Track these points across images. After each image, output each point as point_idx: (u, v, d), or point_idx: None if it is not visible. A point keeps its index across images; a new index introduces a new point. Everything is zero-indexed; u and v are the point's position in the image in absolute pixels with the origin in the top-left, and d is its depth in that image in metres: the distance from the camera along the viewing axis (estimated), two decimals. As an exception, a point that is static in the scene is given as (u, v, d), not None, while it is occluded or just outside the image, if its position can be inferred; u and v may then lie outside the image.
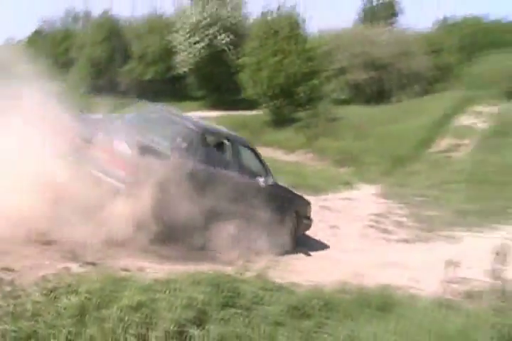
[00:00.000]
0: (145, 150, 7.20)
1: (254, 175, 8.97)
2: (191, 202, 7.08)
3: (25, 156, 6.46)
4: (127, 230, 6.63)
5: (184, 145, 7.80)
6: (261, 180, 8.89)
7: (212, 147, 8.63)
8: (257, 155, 9.39)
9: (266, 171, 9.29)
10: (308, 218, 10.39)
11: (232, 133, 9.52)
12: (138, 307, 4.93)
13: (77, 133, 7.10)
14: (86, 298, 4.87)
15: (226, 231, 7.98)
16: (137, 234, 6.76)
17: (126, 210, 6.59)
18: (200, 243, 7.68)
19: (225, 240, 7.92)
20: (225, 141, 8.84)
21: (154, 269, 6.38)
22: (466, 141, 23.75)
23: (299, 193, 10.40)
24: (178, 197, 7.01)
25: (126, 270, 6.15)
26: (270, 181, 9.02)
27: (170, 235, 7.22)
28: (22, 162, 6.40)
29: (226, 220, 8.02)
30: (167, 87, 38.22)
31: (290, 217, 9.67)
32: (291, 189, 10.17)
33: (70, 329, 4.47)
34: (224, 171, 8.30)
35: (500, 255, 5.95)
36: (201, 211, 7.22)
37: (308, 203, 10.43)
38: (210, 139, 8.59)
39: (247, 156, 9.11)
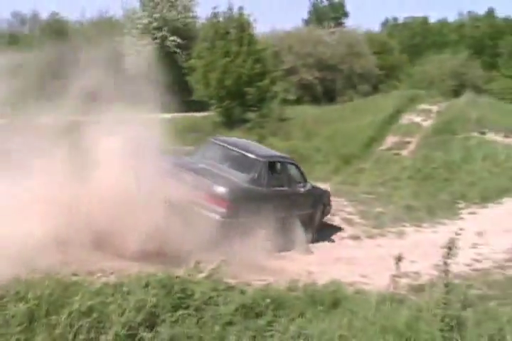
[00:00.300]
0: (236, 190, 9.33)
1: (296, 183, 11.07)
2: (266, 215, 9.26)
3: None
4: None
5: (256, 175, 9.90)
6: (301, 188, 11.05)
7: (271, 170, 10.38)
8: (298, 168, 11.44)
9: (304, 179, 11.42)
10: (330, 204, 12.45)
11: (281, 154, 11.80)
12: (88, 311, 4.92)
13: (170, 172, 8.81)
14: (35, 304, 4.84)
15: (286, 229, 9.98)
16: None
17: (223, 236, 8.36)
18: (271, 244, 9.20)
19: (286, 236, 9.87)
20: (278, 163, 10.81)
21: (104, 273, 6.36)
22: (413, 139, 24.26)
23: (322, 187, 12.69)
24: (257, 216, 9.15)
25: (76, 275, 6.12)
26: (308, 186, 11.26)
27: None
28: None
29: (285, 221, 10.07)
30: (118, 90, 37.84)
31: (319, 210, 11.79)
32: (318, 186, 12.30)
33: (19, 337, 4.45)
34: (280, 188, 10.44)
35: (446, 249, 6.11)
36: (273, 219, 9.35)
37: (329, 193, 12.60)
38: (270, 164, 10.36)
39: (291, 170, 11.18)
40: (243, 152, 10.31)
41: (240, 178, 9.70)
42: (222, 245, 8.02)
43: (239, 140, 11.96)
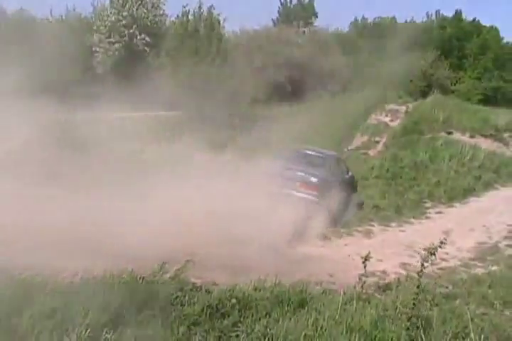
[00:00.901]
0: (321, 180, 13.16)
1: (345, 172, 15.33)
2: (339, 198, 13.11)
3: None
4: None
5: (328, 168, 14.08)
6: (347, 175, 15.25)
7: (335, 164, 14.87)
8: (343, 161, 16.31)
9: (347, 168, 15.78)
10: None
11: (332, 152, 16.28)
12: (51, 313, 4.83)
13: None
14: (-5, 304, 4.74)
15: (344, 206, 13.65)
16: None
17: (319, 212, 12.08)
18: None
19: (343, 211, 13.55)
20: (337, 158, 15.60)
21: (71, 273, 6.25)
22: (381, 139, 24.44)
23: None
24: (336, 198, 12.91)
25: (39, 275, 6.00)
26: (350, 174, 15.63)
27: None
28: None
29: (343, 200, 13.53)
30: (86, 88, 37.39)
31: (355, 192, 15.60)
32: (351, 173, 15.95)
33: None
34: (340, 176, 14.63)
35: (426, 253, 6.16)
36: (343, 201, 13.45)
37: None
38: (334, 160, 15.05)
39: (341, 163, 15.72)
40: (316, 154, 14.61)
41: (320, 171, 13.49)
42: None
43: (308, 147, 15.58)
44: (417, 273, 5.96)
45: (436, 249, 5.95)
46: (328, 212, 12.53)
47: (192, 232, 8.44)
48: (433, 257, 5.97)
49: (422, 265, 5.94)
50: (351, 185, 15.33)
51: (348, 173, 15.39)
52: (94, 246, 7.16)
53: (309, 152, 14.60)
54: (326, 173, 13.66)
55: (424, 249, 5.93)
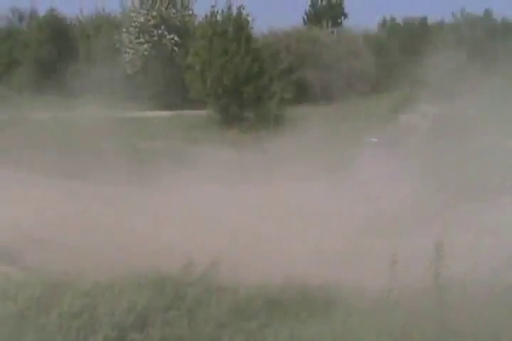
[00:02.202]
0: None
1: None
2: None
3: None
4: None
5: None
6: None
7: None
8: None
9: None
10: None
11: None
12: (78, 313, 4.82)
13: None
14: (24, 305, 4.74)
15: None
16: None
17: None
18: None
19: None
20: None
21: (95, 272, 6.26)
22: (411, 140, 24.17)
23: None
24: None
25: (66, 274, 6.02)
26: None
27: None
28: None
29: None
30: (116, 87, 37.66)
31: None
32: None
33: (7, 337, 4.35)
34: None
35: (435, 254, 6.05)
36: None
37: None
38: None
39: None
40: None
41: None
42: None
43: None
44: (435, 275, 5.84)
45: (441, 248, 5.82)
46: None
47: None
48: (441, 259, 5.83)
49: (436, 267, 5.82)
50: None
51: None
52: None
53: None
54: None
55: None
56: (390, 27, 63.30)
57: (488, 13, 59.24)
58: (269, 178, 15.67)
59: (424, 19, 61.68)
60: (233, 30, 28.83)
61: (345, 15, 58.63)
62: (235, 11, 29.96)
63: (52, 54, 39.36)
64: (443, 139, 21.82)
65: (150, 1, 36.93)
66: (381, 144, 20.27)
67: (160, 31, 36.24)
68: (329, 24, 46.00)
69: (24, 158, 12.47)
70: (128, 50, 36.23)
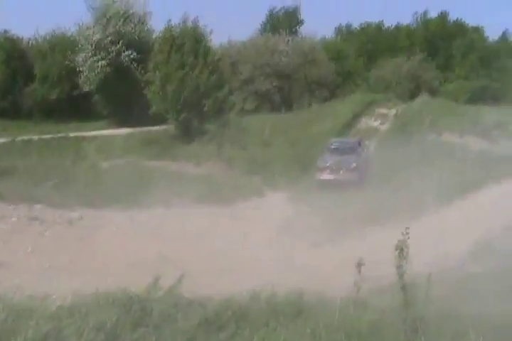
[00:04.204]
0: (357, 163, 19.55)
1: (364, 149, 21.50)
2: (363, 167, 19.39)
3: None
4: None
5: (357, 153, 20.41)
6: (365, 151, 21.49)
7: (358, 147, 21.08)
8: (363, 142, 22.44)
9: (364, 146, 22.10)
10: None
11: (356, 139, 23.34)
12: (45, 337, 4.76)
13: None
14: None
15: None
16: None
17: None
18: None
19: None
20: (359, 143, 21.60)
21: (60, 294, 6.20)
22: (371, 142, 24.53)
23: None
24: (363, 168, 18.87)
25: (31, 298, 5.94)
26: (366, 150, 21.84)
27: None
28: None
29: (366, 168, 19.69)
30: (73, 107, 37.38)
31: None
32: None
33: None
34: (362, 153, 21.13)
35: (400, 250, 6.11)
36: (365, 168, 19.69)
37: None
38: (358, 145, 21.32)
39: (361, 144, 21.72)
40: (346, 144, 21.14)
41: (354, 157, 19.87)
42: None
43: (338, 139, 22.67)
44: (398, 273, 5.92)
45: (405, 245, 5.91)
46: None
47: None
48: (405, 254, 5.91)
49: (401, 265, 5.89)
50: (366, 156, 21.26)
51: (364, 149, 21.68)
52: None
53: (342, 144, 21.14)
54: (357, 157, 19.93)
55: (395, 249, 5.88)
56: (346, 32, 64.22)
57: (443, 15, 60.50)
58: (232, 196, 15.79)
59: (380, 23, 62.73)
60: (190, 42, 28.83)
61: (302, 23, 59.29)
62: (191, 24, 29.97)
63: (7, 75, 38.88)
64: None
65: (105, 18, 36.70)
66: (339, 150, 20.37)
67: (117, 47, 36.04)
68: (286, 32, 46.31)
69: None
70: (84, 68, 35.96)
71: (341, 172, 19.28)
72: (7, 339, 4.59)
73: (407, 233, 6.11)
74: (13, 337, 4.62)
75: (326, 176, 19.30)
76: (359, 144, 21.41)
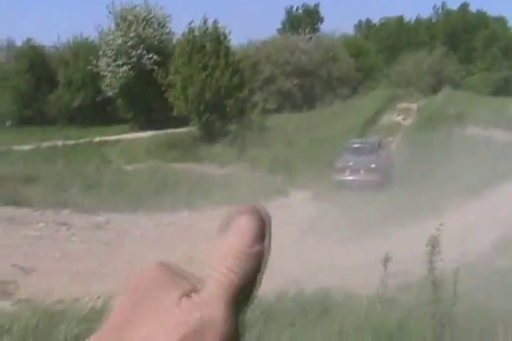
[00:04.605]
0: (377, 164, 18.91)
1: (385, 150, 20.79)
2: (385, 169, 18.81)
3: None
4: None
5: (377, 154, 19.49)
6: (387, 152, 20.76)
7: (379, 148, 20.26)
8: (384, 143, 21.56)
9: (386, 147, 21.52)
10: None
11: (376, 139, 21.96)
12: (76, 339, 4.86)
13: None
14: (20, 336, 4.78)
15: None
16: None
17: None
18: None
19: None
20: (379, 144, 20.67)
21: (90, 298, 6.33)
22: (394, 138, 24.41)
23: None
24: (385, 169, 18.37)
25: (61, 302, 6.08)
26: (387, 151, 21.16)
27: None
28: None
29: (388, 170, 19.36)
30: (97, 112, 37.78)
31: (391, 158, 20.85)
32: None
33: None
34: (383, 154, 20.03)
35: (429, 247, 6.11)
36: (387, 170, 19.16)
37: None
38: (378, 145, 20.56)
39: (381, 145, 20.95)
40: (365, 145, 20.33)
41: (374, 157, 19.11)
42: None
43: (358, 140, 21.78)
44: (429, 269, 5.92)
45: (437, 240, 5.90)
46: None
47: None
48: (437, 250, 5.90)
49: (430, 260, 5.89)
50: (389, 157, 20.55)
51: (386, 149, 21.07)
52: None
53: (361, 144, 20.39)
54: (377, 157, 19.21)
55: (427, 245, 5.87)
56: (366, 28, 63.93)
57: (464, 7, 59.90)
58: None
59: (400, 18, 62.32)
60: (211, 44, 28.97)
61: (322, 20, 59.20)
62: (211, 26, 30.10)
63: (31, 83, 39.44)
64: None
65: (127, 22, 37.03)
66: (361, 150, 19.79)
67: (138, 51, 36.35)
68: (306, 30, 46.22)
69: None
70: (106, 73, 36.33)
71: (361, 172, 18.69)
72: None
73: (439, 229, 6.11)
74: (47, 340, 4.73)
75: (345, 177, 18.81)
76: (379, 144, 20.64)
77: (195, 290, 0.43)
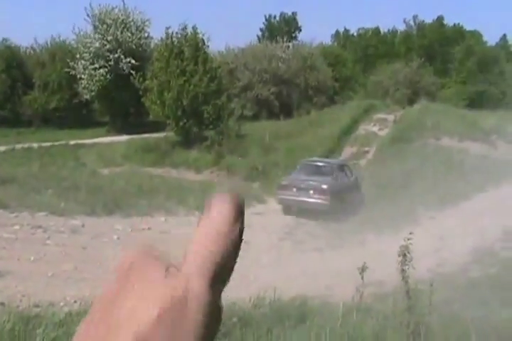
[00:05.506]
0: (331, 186, 16.10)
1: (349, 176, 17.87)
2: (344, 196, 16.18)
3: None
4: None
5: (333, 176, 16.87)
6: (351, 178, 17.81)
7: (339, 171, 17.40)
8: (348, 167, 18.60)
9: (352, 172, 18.14)
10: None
11: (339, 161, 20.37)
12: (52, 343, 4.81)
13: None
14: (-5, 339, 4.72)
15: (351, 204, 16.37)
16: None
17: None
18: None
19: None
20: (340, 166, 17.91)
21: (66, 302, 6.27)
22: (370, 148, 24.62)
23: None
24: (342, 196, 15.90)
25: (37, 306, 6.01)
26: (355, 176, 18.00)
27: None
28: None
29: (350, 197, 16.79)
30: (73, 115, 37.50)
31: (360, 189, 17.98)
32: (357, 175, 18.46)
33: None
34: (344, 179, 17.39)
35: (402, 256, 6.18)
36: (346, 197, 16.41)
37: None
38: (338, 167, 17.63)
39: (345, 168, 18.15)
40: (323, 164, 17.67)
41: (328, 179, 16.47)
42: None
43: (316, 158, 19.01)
44: (403, 278, 5.99)
45: (407, 249, 5.98)
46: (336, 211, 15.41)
47: None
48: (408, 258, 5.98)
49: (403, 270, 5.96)
50: (356, 185, 17.92)
51: (352, 176, 18.03)
52: None
53: (318, 163, 17.81)
54: (334, 180, 16.68)
55: (398, 254, 5.95)
56: (344, 38, 64.55)
57: (439, 20, 60.82)
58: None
59: (377, 29, 63.08)
60: (189, 49, 28.95)
61: (300, 29, 59.64)
62: (190, 32, 30.09)
63: (6, 83, 39.00)
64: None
65: (104, 26, 36.84)
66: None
67: (116, 55, 36.18)
68: (284, 39, 46.46)
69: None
70: (83, 76, 36.10)
71: (310, 192, 15.99)
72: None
73: (409, 239, 6.18)
74: (22, 344, 4.68)
75: (288, 196, 16.11)
76: (341, 167, 17.84)
77: (177, 266, 0.47)
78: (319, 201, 15.72)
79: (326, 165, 17.55)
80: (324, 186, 15.98)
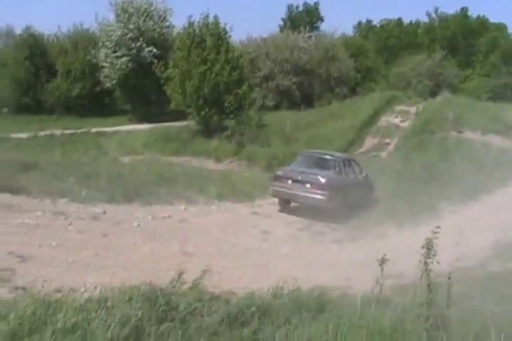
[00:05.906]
0: (331, 181, 14.70)
1: (358, 173, 16.38)
2: (348, 194, 15.09)
3: None
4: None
5: (336, 170, 15.32)
6: (360, 176, 16.31)
7: (343, 165, 15.70)
8: (357, 163, 16.76)
9: (361, 169, 16.58)
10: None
11: (345, 155, 18.63)
12: (72, 329, 4.85)
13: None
14: (16, 324, 4.76)
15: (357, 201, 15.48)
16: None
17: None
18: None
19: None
20: (345, 161, 16.16)
21: (86, 288, 6.32)
22: (392, 140, 24.46)
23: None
24: (346, 194, 14.95)
25: (59, 291, 6.07)
26: (364, 174, 16.47)
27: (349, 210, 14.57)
28: None
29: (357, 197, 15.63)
30: (95, 102, 37.73)
31: (372, 190, 16.81)
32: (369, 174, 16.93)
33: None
34: (350, 176, 15.90)
35: (425, 249, 6.13)
36: (351, 196, 15.30)
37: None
38: (343, 162, 15.90)
39: (352, 164, 16.50)
40: (327, 157, 15.92)
41: (328, 173, 14.99)
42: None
43: (319, 151, 17.36)
44: (424, 271, 5.94)
45: (432, 243, 5.91)
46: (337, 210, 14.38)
47: None
48: (433, 252, 5.91)
49: (425, 262, 5.91)
50: (365, 185, 16.52)
51: (361, 174, 16.52)
52: None
53: (320, 155, 16.14)
54: (336, 174, 15.22)
55: (422, 247, 5.89)
56: (366, 29, 64.02)
57: (463, 11, 60.04)
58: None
59: (400, 20, 62.49)
60: (211, 39, 28.94)
61: (322, 20, 59.25)
62: (212, 21, 30.05)
63: (30, 71, 39.30)
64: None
65: (127, 15, 36.96)
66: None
67: (138, 44, 36.29)
68: (306, 29, 46.24)
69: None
70: (105, 64, 36.26)
71: (307, 186, 14.34)
72: (37, 331, 4.69)
73: (436, 232, 6.12)
74: (43, 328, 4.72)
75: (283, 188, 14.63)
76: (347, 162, 16.12)
77: None
78: (316, 196, 14.17)
79: (329, 157, 15.78)
80: (323, 180, 14.41)
